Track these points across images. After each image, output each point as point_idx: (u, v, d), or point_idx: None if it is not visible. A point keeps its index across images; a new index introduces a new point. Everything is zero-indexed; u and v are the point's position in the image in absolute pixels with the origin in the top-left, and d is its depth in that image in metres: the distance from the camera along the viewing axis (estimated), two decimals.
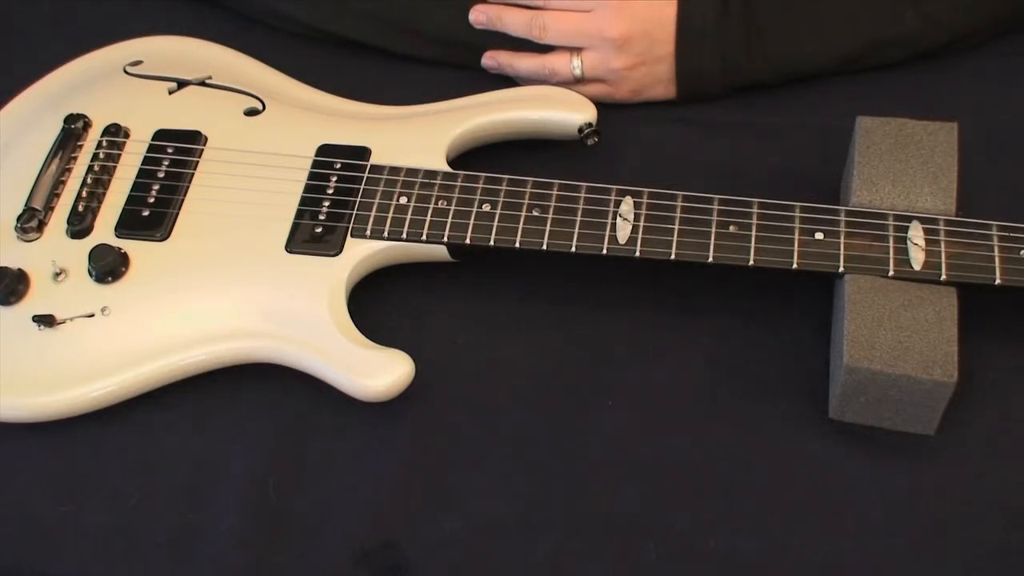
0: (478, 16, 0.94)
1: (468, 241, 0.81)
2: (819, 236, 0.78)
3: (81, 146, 0.89)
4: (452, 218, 0.81)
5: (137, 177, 0.86)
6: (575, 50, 0.92)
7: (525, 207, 0.81)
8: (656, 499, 0.75)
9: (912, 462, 0.76)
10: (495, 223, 0.81)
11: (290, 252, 0.82)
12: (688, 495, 0.75)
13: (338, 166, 0.85)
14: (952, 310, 0.75)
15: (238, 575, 0.74)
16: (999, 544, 0.73)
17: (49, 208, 0.85)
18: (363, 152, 0.86)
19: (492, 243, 0.80)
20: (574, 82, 0.92)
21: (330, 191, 0.84)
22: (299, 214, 0.83)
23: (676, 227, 0.79)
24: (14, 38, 1.04)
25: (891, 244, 0.77)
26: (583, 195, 0.81)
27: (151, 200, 0.85)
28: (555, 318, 0.84)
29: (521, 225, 0.80)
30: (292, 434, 0.79)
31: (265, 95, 0.91)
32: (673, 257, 0.78)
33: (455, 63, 0.97)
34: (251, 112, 0.90)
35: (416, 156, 0.85)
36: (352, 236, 0.82)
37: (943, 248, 0.77)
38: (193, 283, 0.82)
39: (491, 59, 0.95)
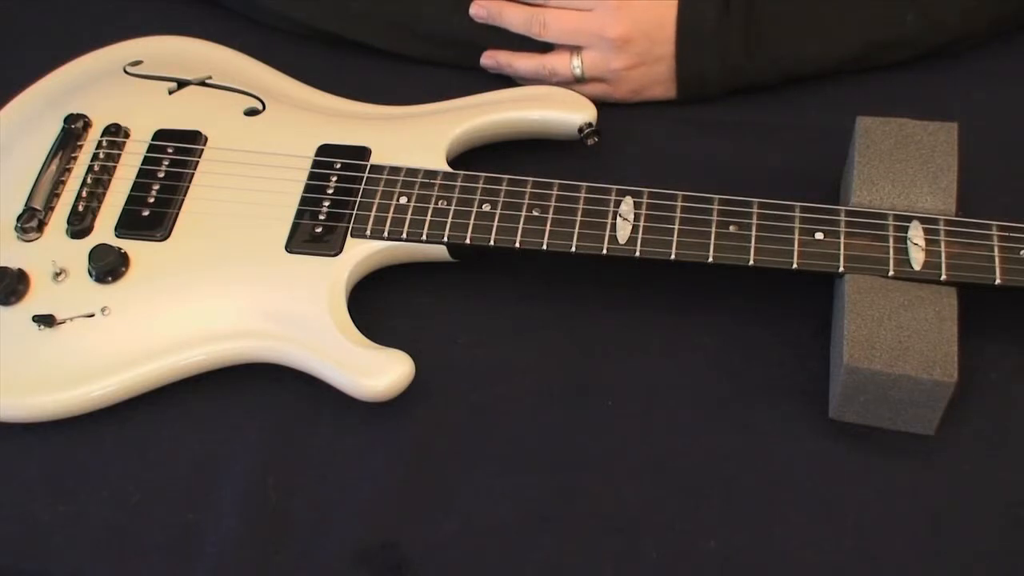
0: (478, 10, 0.94)
1: (468, 241, 0.81)
2: (819, 236, 0.78)
3: (81, 146, 0.89)
4: (452, 218, 0.81)
5: (137, 177, 0.86)
6: (575, 50, 0.92)
7: (525, 207, 0.81)
8: (656, 499, 0.75)
9: (912, 462, 0.76)
10: (495, 223, 0.81)
11: (290, 252, 0.82)
12: (688, 495, 0.75)
13: (338, 166, 0.85)
14: (952, 310, 0.75)
15: (238, 575, 0.74)
16: (999, 544, 0.73)
17: (49, 208, 0.85)
18: (363, 152, 0.86)
19: (492, 243, 0.80)
20: (574, 82, 0.92)
21: (330, 191, 0.84)
22: (299, 214, 0.83)
23: (676, 227, 0.79)
24: (13, 38, 1.04)
25: (891, 244, 0.77)
26: (583, 195, 0.81)
27: (151, 200, 0.85)
28: (555, 318, 0.84)
29: (521, 225, 0.80)
30: (292, 434, 0.79)
31: (265, 95, 0.91)
32: (673, 257, 0.78)
33: (455, 63, 0.97)
34: (251, 112, 0.90)
35: (416, 156, 0.85)
36: (352, 236, 0.82)
37: (943, 248, 0.77)
38: (193, 283, 0.82)
39: (490, 58, 0.95)
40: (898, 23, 0.91)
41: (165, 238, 0.83)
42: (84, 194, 0.86)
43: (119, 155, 0.88)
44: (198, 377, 0.80)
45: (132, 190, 0.86)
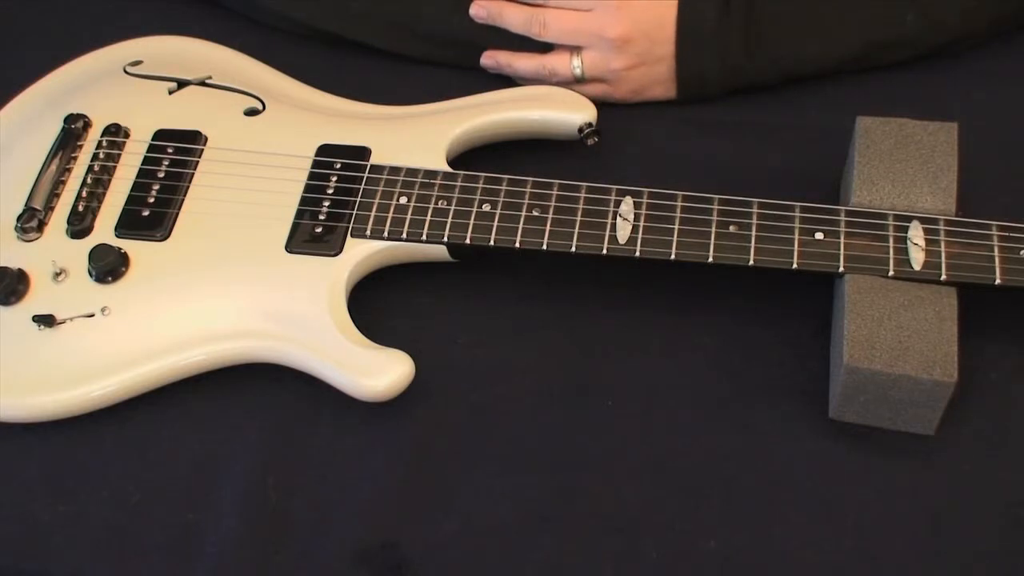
0: (478, 11, 0.94)
1: (468, 241, 0.81)
2: (819, 236, 0.78)
3: (81, 146, 0.89)
4: (452, 218, 0.81)
5: (137, 177, 0.86)
6: (575, 50, 0.92)
7: (525, 207, 0.81)
8: (656, 499, 0.75)
9: (912, 462, 0.76)
10: (495, 223, 0.81)
11: (290, 252, 0.82)
12: (688, 495, 0.75)
13: (338, 166, 0.85)
14: (952, 310, 0.75)
15: (238, 575, 0.74)
16: (999, 544, 0.73)
17: (49, 208, 0.85)
18: (363, 152, 0.86)
19: (492, 243, 0.80)
20: (574, 82, 0.92)
21: (330, 191, 0.84)
22: (299, 214, 0.83)
23: (676, 227, 0.79)
24: (13, 38, 1.04)
25: (891, 244, 0.77)
26: (583, 195, 0.81)
27: (151, 200, 0.85)
28: (555, 318, 0.84)
29: (521, 225, 0.80)
30: (292, 434, 0.79)
31: (265, 95, 0.91)
32: (673, 257, 0.78)
33: (455, 63, 0.97)
34: (251, 112, 0.90)
35: (416, 156, 0.85)
36: (352, 236, 0.82)
37: (943, 248, 0.77)
38: (193, 283, 0.82)
39: (490, 58, 0.95)
40: (898, 23, 0.91)
41: (165, 238, 0.83)
42: (84, 194, 0.86)
43: (119, 155, 0.88)
44: (198, 377, 0.80)
45: (132, 190, 0.86)
